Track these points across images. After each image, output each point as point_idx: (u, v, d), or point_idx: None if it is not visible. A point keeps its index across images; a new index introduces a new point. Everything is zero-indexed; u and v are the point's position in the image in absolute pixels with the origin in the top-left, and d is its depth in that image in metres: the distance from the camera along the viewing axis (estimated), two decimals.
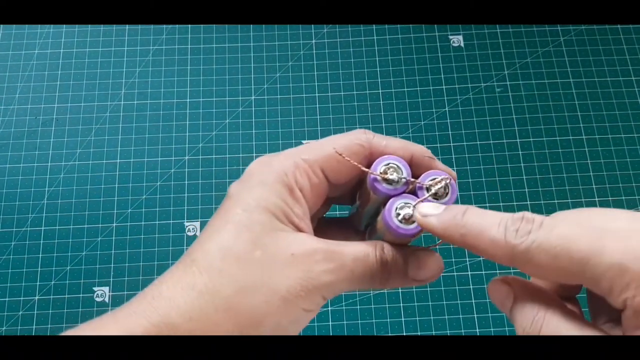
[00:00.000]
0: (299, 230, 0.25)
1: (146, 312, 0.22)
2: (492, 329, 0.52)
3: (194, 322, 0.22)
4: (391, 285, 0.26)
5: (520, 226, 0.21)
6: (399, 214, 0.25)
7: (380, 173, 0.26)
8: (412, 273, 0.26)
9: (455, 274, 0.54)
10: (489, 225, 0.22)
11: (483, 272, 0.54)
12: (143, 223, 0.56)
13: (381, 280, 0.25)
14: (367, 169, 0.26)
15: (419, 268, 0.26)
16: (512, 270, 0.55)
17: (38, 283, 0.54)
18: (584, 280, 0.20)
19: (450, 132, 0.59)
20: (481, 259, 0.54)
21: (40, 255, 0.55)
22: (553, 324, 0.21)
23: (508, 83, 0.61)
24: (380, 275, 0.25)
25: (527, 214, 0.22)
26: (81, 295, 0.54)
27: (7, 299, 0.53)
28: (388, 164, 0.26)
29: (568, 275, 0.20)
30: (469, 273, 0.54)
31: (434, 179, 0.25)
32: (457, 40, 0.63)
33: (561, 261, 0.20)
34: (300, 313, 0.23)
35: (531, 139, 0.59)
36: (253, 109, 0.61)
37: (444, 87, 0.61)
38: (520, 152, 0.58)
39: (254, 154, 0.59)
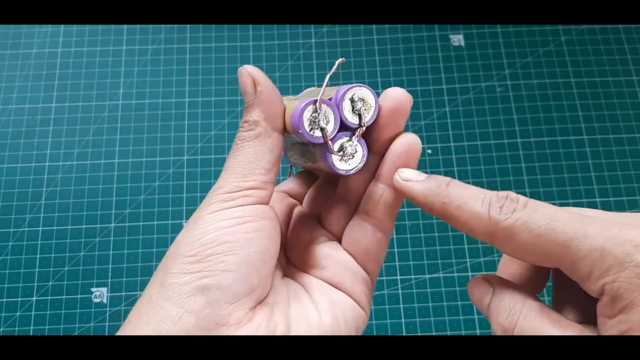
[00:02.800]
0: None
1: None
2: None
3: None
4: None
5: (504, 204, 0.21)
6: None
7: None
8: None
9: (455, 274, 0.53)
10: (473, 198, 0.22)
11: (484, 273, 0.53)
12: (141, 223, 0.56)
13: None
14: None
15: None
16: None
17: (36, 284, 0.54)
18: (563, 263, 0.20)
19: (450, 132, 0.59)
20: (482, 259, 0.54)
21: (38, 256, 0.55)
22: (530, 317, 0.21)
23: (509, 83, 0.61)
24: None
25: (512, 194, 0.21)
26: (79, 296, 0.53)
27: (4, 300, 0.53)
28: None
29: (548, 256, 0.20)
30: (470, 274, 0.53)
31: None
32: (457, 39, 0.63)
33: (544, 241, 0.20)
34: None
35: (532, 139, 0.58)
36: None
37: (444, 86, 0.61)
38: (521, 153, 0.58)
39: None
